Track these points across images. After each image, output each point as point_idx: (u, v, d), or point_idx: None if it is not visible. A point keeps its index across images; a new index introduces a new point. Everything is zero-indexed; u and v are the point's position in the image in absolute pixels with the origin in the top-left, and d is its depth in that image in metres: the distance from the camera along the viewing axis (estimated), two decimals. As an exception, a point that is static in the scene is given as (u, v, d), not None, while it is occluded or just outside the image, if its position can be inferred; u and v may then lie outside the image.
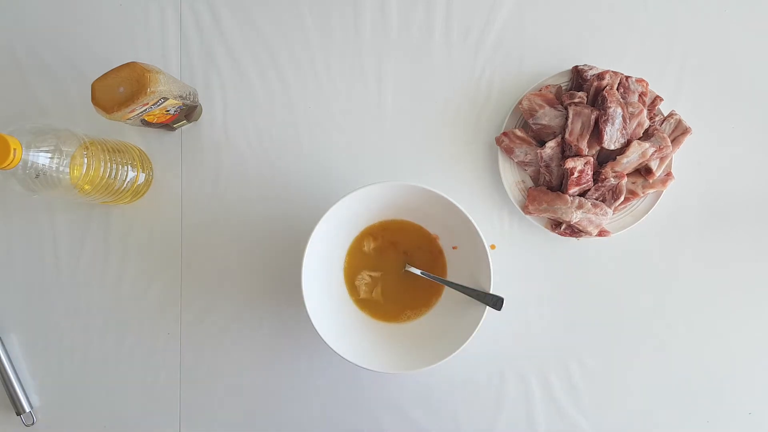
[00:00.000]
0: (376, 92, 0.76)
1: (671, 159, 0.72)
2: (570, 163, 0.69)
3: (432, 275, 0.71)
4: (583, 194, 0.72)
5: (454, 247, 0.72)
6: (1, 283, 0.76)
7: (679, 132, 0.73)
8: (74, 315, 0.75)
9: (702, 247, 0.75)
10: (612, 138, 0.70)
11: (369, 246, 0.73)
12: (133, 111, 0.62)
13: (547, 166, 0.72)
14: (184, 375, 0.75)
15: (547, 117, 0.72)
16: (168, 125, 0.72)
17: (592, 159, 0.71)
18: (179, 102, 0.66)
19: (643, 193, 0.72)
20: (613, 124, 0.70)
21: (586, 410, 0.75)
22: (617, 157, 0.71)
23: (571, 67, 0.74)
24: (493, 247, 0.75)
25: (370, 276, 0.73)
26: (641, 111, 0.70)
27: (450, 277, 0.73)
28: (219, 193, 0.76)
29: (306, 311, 0.65)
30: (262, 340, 0.75)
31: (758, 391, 0.75)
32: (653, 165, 0.72)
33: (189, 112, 0.72)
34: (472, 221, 0.67)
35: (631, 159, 0.71)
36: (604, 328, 0.75)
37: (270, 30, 0.76)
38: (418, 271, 0.72)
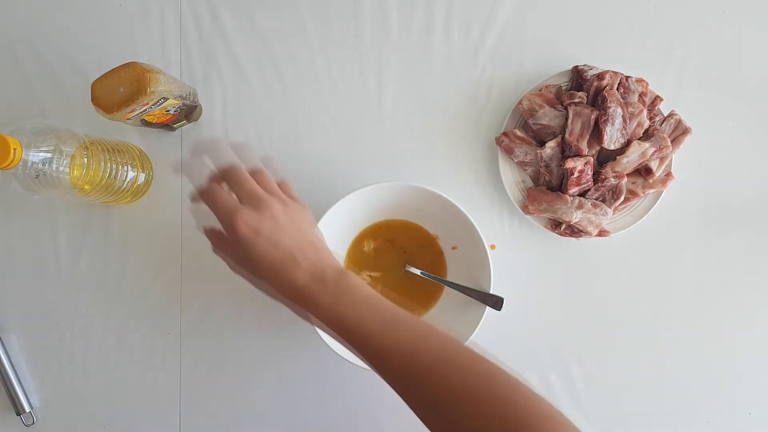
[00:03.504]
0: (376, 92, 0.76)
1: (671, 159, 0.72)
2: (570, 163, 0.69)
3: (432, 275, 0.71)
4: (583, 194, 0.72)
5: (454, 247, 0.72)
6: (1, 284, 0.76)
7: (679, 132, 0.73)
8: (74, 315, 0.75)
9: (702, 247, 0.75)
10: (612, 138, 0.70)
11: (369, 246, 0.73)
12: (133, 111, 0.62)
13: (547, 166, 0.72)
14: (184, 375, 0.75)
15: (547, 117, 0.72)
16: (168, 125, 0.72)
17: (592, 159, 0.71)
18: (179, 102, 0.66)
19: (643, 193, 0.72)
20: (613, 124, 0.70)
21: (586, 410, 0.75)
22: (617, 157, 0.71)
23: (571, 67, 0.74)
24: (493, 247, 0.75)
25: (370, 276, 0.73)
26: (641, 111, 0.70)
27: (450, 277, 0.73)
28: (219, 193, 0.76)
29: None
30: (262, 340, 0.75)
31: (758, 391, 0.75)
32: (653, 165, 0.72)
33: (189, 112, 0.72)
34: (472, 221, 0.67)
35: (631, 159, 0.71)
36: (604, 328, 0.75)
37: (270, 30, 0.76)
38: (418, 271, 0.72)
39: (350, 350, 0.50)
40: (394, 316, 0.49)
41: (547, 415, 0.45)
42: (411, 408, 0.48)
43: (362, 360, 0.49)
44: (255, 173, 0.55)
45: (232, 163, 0.54)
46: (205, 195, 0.53)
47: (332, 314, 0.49)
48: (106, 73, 0.62)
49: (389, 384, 0.49)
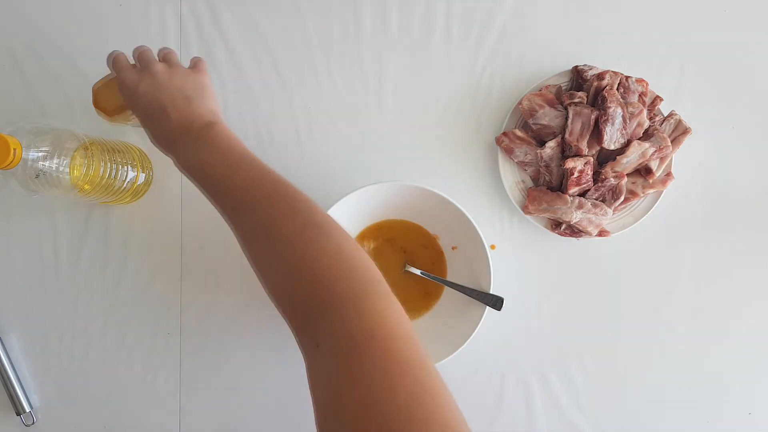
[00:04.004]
0: (376, 92, 0.76)
1: (671, 159, 0.72)
2: (570, 163, 0.69)
3: (432, 275, 0.71)
4: (583, 194, 0.72)
5: (453, 248, 0.72)
6: (1, 284, 0.76)
7: (679, 132, 0.73)
8: (74, 315, 0.75)
9: (702, 247, 0.75)
10: (612, 138, 0.70)
11: (369, 246, 0.73)
12: (134, 114, 0.62)
13: (547, 166, 0.72)
14: (184, 375, 0.75)
15: (547, 117, 0.72)
16: None
17: (592, 159, 0.71)
18: None
19: (643, 193, 0.72)
20: (613, 124, 0.70)
21: (586, 410, 0.75)
22: (617, 157, 0.71)
23: (571, 67, 0.74)
24: (493, 247, 0.75)
25: (370, 276, 0.73)
26: (641, 111, 0.70)
27: (450, 277, 0.73)
28: (219, 193, 0.76)
29: (306, 311, 0.65)
30: (262, 340, 0.75)
31: (758, 391, 0.75)
32: (653, 165, 0.71)
33: None
34: (472, 221, 0.67)
35: (631, 159, 0.71)
36: (604, 328, 0.75)
37: (270, 30, 0.76)
38: (418, 271, 0.72)
39: (202, 192, 0.54)
40: (241, 158, 0.54)
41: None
42: (240, 234, 0.52)
43: (207, 196, 0.54)
44: (164, 50, 0.63)
45: (143, 46, 0.62)
46: (111, 61, 0.61)
47: (188, 159, 0.54)
48: (108, 79, 0.62)
49: (226, 214, 0.53)
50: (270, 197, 0.51)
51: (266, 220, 0.50)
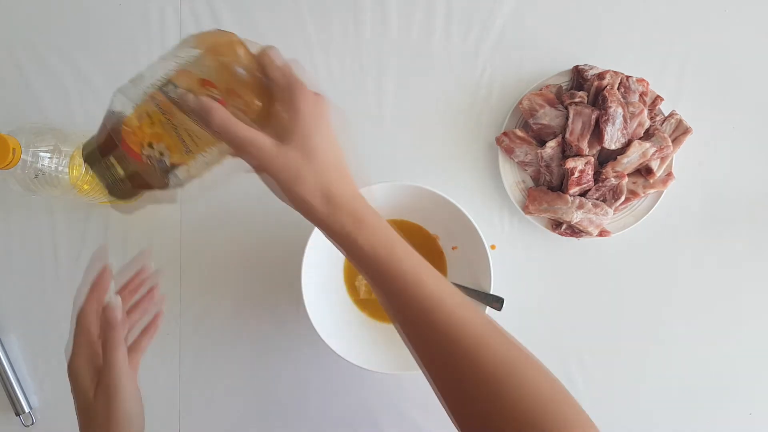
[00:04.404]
0: (375, 92, 0.76)
1: (672, 159, 0.72)
2: (570, 163, 0.69)
3: (432, 275, 0.71)
4: (583, 194, 0.72)
5: (454, 248, 0.72)
6: (1, 284, 0.75)
7: (680, 132, 0.73)
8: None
9: (702, 247, 0.75)
10: (612, 138, 0.70)
11: (369, 246, 0.73)
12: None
13: (548, 166, 0.72)
14: (184, 375, 0.75)
15: (548, 117, 0.72)
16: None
17: (592, 159, 0.71)
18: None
19: (643, 193, 0.72)
20: (613, 123, 0.70)
21: (586, 410, 0.74)
22: (618, 157, 0.71)
23: (571, 67, 0.74)
24: (493, 247, 0.75)
25: (370, 276, 0.73)
26: (642, 111, 0.70)
27: (450, 278, 0.73)
28: (219, 193, 0.76)
29: (306, 311, 0.65)
30: (262, 340, 0.75)
31: (758, 391, 0.75)
32: (654, 165, 0.71)
33: None
34: (472, 221, 0.67)
35: (631, 159, 0.71)
36: (604, 328, 0.75)
37: (270, 30, 0.76)
38: (418, 271, 0.71)
39: (354, 257, 0.45)
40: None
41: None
42: (407, 335, 0.44)
43: (363, 267, 0.45)
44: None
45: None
46: (265, 55, 0.46)
47: (380, 231, 0.46)
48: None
49: (390, 301, 0.44)
50: (467, 308, 0.43)
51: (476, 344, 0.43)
